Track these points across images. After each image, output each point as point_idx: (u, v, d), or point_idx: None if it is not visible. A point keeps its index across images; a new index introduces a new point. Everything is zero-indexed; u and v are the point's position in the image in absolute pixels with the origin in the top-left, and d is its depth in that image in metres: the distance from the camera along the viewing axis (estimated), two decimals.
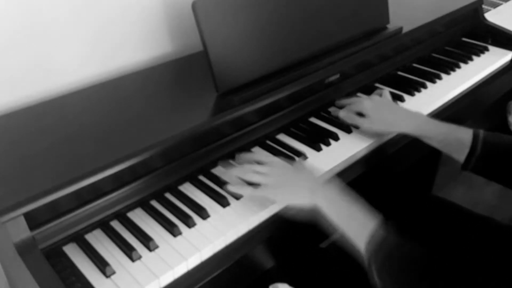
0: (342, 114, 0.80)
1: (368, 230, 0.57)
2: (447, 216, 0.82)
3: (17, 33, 0.74)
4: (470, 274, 0.71)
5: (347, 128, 0.81)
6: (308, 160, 0.74)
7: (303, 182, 0.63)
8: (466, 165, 0.72)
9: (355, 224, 0.59)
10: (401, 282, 0.54)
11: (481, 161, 0.70)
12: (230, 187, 0.64)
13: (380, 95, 0.85)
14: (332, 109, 0.87)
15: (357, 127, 0.80)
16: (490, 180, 0.73)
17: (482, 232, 0.77)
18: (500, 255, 0.73)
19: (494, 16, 1.21)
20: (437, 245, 0.77)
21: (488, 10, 1.31)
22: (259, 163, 0.66)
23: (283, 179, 0.63)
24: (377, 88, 0.94)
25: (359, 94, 0.92)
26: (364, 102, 0.80)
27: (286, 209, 0.63)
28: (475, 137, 0.71)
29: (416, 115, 0.78)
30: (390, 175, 0.86)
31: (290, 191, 0.62)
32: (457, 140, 0.72)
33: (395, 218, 0.85)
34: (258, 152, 0.70)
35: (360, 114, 0.80)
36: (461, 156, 0.72)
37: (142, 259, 0.57)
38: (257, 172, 0.64)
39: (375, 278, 0.56)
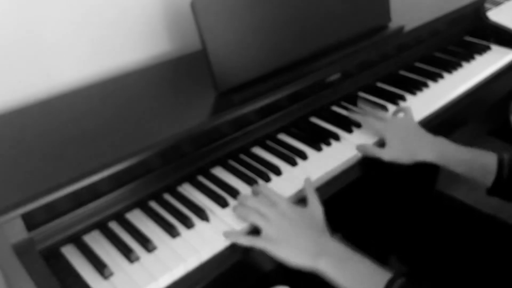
0: (360, 149, 0.75)
1: None
2: (451, 213, 0.82)
3: (16, 32, 0.74)
4: (474, 271, 0.71)
5: (348, 128, 0.80)
6: (308, 160, 0.73)
7: (306, 242, 0.58)
8: (493, 191, 0.70)
9: (364, 286, 0.56)
10: None
11: (508, 186, 0.68)
12: (228, 235, 0.60)
13: (402, 112, 0.81)
14: (334, 108, 0.86)
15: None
16: None
17: (486, 230, 0.76)
18: (504, 254, 0.72)
19: (496, 15, 1.20)
20: (441, 242, 0.76)
21: (490, 9, 1.30)
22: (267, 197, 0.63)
23: (285, 233, 0.59)
24: (377, 87, 0.94)
25: (368, 108, 0.84)
26: (385, 127, 0.75)
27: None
28: (500, 163, 0.69)
29: (438, 141, 0.75)
30: (392, 174, 0.85)
31: (290, 250, 0.58)
32: (481, 166, 0.70)
33: (399, 215, 0.84)
34: (269, 189, 0.65)
35: None
36: (486, 181, 0.70)
37: (140, 260, 0.56)
38: (261, 213, 0.61)
39: None
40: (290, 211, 0.61)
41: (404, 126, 0.76)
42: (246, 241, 0.59)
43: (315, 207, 0.64)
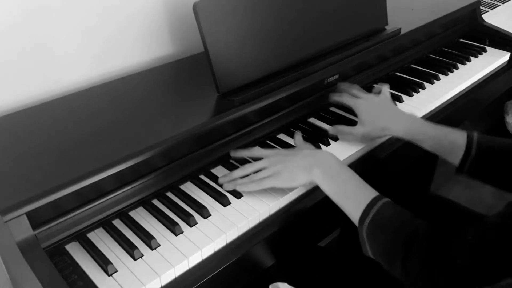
0: (332, 131, 0.79)
1: (364, 204, 0.58)
2: (445, 214, 0.83)
3: (26, 36, 0.75)
4: None
5: None
6: None
7: (299, 162, 0.65)
8: (461, 168, 0.71)
9: (351, 199, 0.60)
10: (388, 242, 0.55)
11: (476, 164, 0.69)
12: (234, 185, 0.66)
13: (379, 92, 0.84)
14: (333, 109, 0.87)
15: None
16: (486, 183, 0.72)
17: None
18: None
19: (491, 18, 1.22)
20: None
21: (485, 12, 1.32)
22: (255, 159, 0.68)
23: (281, 166, 0.65)
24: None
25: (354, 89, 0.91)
26: (359, 101, 0.79)
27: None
28: (469, 140, 0.70)
29: (409, 117, 0.77)
30: (389, 174, 0.87)
31: (288, 176, 0.64)
32: (451, 143, 0.71)
33: None
34: (253, 149, 0.72)
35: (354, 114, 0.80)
36: (455, 159, 0.71)
37: (144, 257, 0.57)
38: (257, 170, 0.66)
39: (367, 248, 0.57)
40: (277, 150, 0.70)
41: (376, 102, 0.79)
42: (255, 186, 0.65)
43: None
